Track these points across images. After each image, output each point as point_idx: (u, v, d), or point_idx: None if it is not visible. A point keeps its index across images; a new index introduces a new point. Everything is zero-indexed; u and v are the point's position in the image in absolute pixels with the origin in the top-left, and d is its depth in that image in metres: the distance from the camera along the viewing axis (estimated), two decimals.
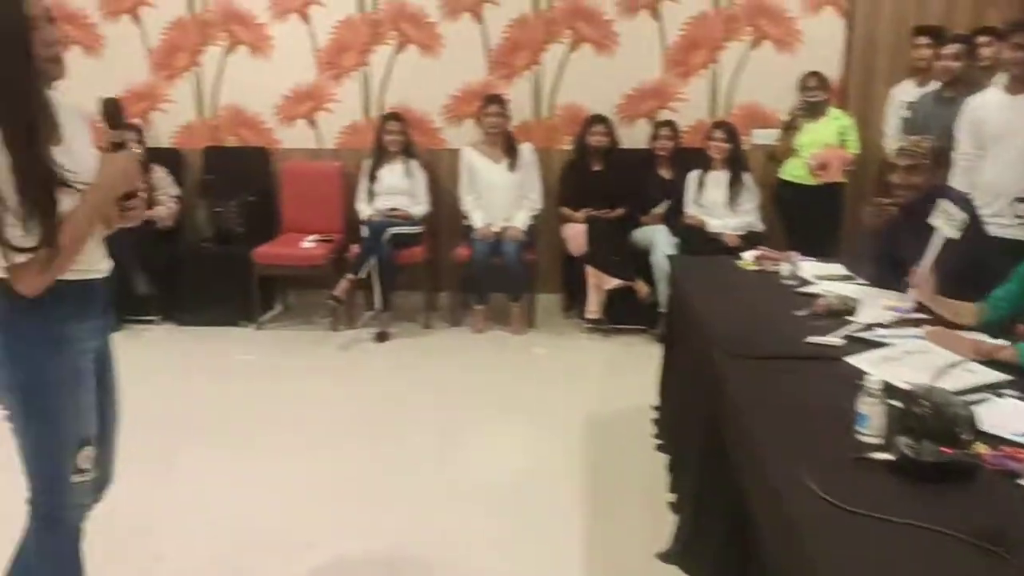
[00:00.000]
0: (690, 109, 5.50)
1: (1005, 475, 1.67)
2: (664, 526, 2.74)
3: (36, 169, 1.64)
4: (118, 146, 1.85)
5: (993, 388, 2.09)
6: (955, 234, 2.66)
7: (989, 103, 3.61)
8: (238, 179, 5.40)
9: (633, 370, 4.42)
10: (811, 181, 5.04)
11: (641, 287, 4.90)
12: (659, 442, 3.47)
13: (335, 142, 5.66)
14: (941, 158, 2.99)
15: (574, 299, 5.35)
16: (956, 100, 4.00)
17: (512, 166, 5.23)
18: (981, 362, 2.22)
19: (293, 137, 5.66)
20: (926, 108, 4.38)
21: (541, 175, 5.36)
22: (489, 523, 2.94)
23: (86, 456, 1.85)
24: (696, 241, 4.86)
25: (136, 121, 5.53)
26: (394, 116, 5.32)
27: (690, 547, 2.50)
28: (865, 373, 2.09)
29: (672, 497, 2.96)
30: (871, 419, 1.81)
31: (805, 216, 5.00)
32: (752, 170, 5.26)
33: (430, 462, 3.41)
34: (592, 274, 4.96)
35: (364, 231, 5.08)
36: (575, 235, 5.07)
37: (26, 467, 1.83)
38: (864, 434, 1.81)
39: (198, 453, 3.47)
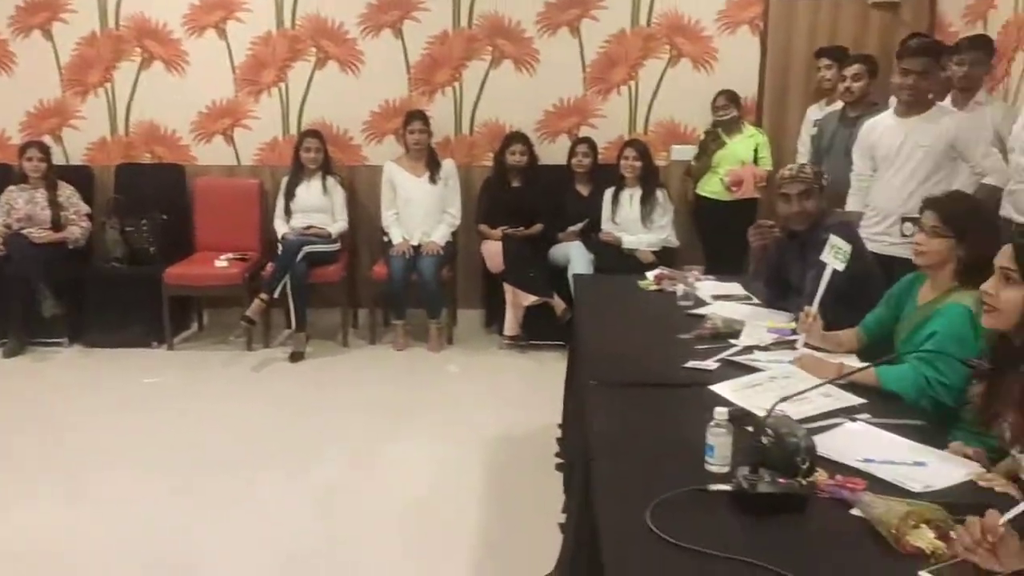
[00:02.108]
0: (610, 126, 5.55)
1: (838, 504, 1.70)
2: (556, 548, 2.74)
3: None
4: None
5: (848, 412, 2.13)
6: (842, 267, 2.69)
7: (880, 126, 3.69)
8: (151, 197, 5.31)
9: (547, 387, 4.40)
10: (727, 197, 5.12)
11: (558, 304, 4.92)
12: (559, 461, 3.48)
13: (253, 159, 5.60)
14: (822, 182, 3.04)
15: (493, 316, 5.36)
16: (859, 120, 4.08)
17: (433, 179, 5.22)
18: (843, 386, 2.27)
19: (210, 154, 5.59)
20: (831, 128, 4.48)
21: (462, 192, 5.36)
22: (388, 543, 2.95)
23: None
24: (611, 258, 4.90)
25: (45, 138, 5.42)
26: (312, 133, 5.27)
27: (567, 572, 2.50)
28: (726, 401, 2.11)
29: (563, 518, 2.96)
30: (717, 449, 1.83)
31: (721, 232, 5.06)
32: (671, 186, 5.34)
33: (337, 482, 3.40)
34: (509, 291, 4.97)
35: (279, 249, 5.03)
36: (493, 252, 5.08)
37: None
38: (711, 464, 1.84)
39: (102, 477, 3.41)
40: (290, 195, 5.20)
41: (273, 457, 3.62)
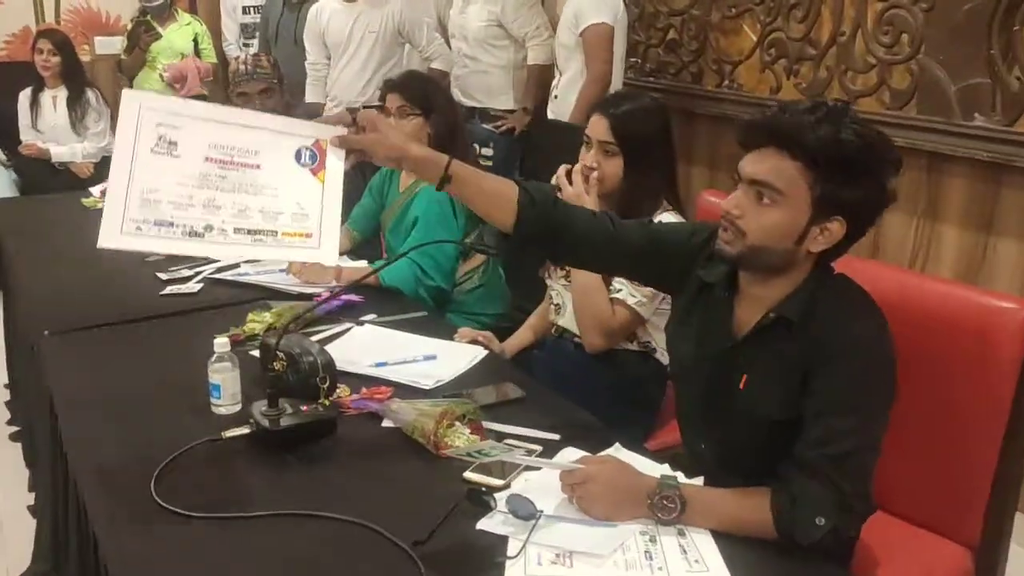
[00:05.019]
0: (10, 14, 4.57)
1: (369, 418, 1.56)
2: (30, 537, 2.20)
3: None
4: None
5: (353, 316, 2.01)
6: None
7: (327, 11, 3.56)
8: None
9: None
10: (172, 95, 4.59)
11: None
12: (14, 429, 2.84)
13: None
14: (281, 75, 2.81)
15: None
16: (305, 5, 3.91)
17: None
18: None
19: None
20: (275, 14, 4.22)
21: None
22: None
23: None
24: (40, 175, 4.13)
25: None
26: None
27: (55, 560, 2.02)
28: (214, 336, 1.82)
29: (32, 498, 2.40)
30: (224, 387, 1.55)
31: None
32: (102, 85, 4.62)
33: None
34: None
35: None
36: None
37: None
38: (220, 406, 1.56)
39: None
40: None
41: None
